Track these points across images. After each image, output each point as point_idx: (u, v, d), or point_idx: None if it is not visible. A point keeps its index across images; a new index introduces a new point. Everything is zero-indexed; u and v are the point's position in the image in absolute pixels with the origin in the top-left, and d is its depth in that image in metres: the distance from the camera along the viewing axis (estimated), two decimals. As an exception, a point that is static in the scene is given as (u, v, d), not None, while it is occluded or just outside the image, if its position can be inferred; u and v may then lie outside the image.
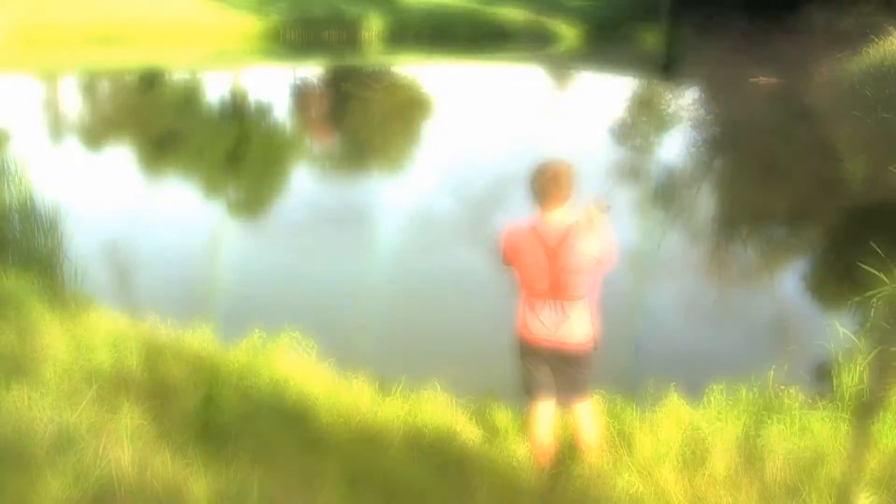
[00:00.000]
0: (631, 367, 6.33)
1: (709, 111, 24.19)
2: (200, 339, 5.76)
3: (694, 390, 5.24)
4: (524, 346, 4.44)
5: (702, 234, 11.24)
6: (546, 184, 4.18)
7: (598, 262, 4.25)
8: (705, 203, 13.17)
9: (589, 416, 4.53)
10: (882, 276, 5.75)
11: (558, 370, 4.43)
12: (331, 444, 4.41)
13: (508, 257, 4.35)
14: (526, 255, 4.26)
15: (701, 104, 25.41)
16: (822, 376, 6.41)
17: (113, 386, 4.93)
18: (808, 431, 4.78)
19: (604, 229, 4.24)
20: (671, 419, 4.85)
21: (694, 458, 4.47)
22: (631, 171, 14.77)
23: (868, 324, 5.62)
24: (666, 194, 13.48)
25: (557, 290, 4.26)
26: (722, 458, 4.35)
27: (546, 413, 4.52)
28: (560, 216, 4.25)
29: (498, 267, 4.46)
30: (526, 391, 4.54)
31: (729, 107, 24.33)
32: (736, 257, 10.35)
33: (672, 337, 7.73)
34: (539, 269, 4.24)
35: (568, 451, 4.69)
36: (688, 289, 8.77)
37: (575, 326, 4.32)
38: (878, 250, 6.00)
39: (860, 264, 6.25)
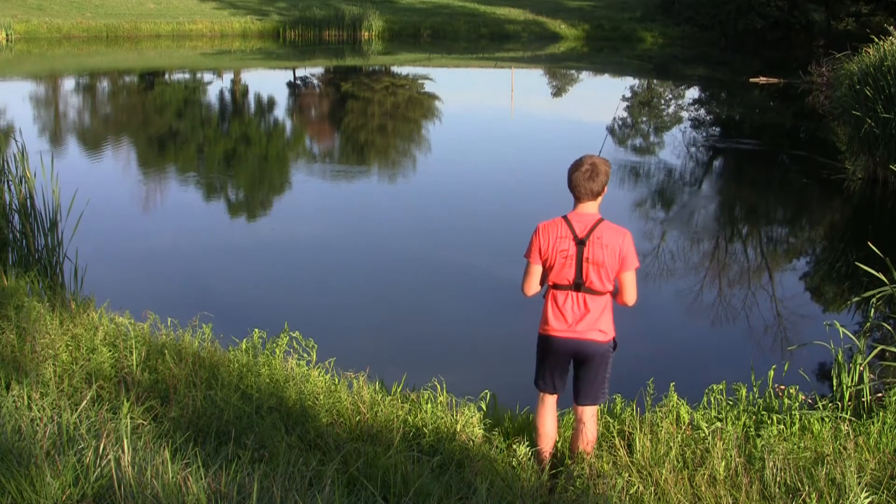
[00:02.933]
0: (631, 367, 6.34)
1: (709, 111, 24.21)
2: (200, 339, 5.76)
3: (694, 390, 5.25)
4: (543, 343, 4.48)
5: (702, 233, 11.24)
6: (581, 177, 4.29)
7: (624, 259, 4.30)
8: (705, 203, 13.18)
9: (592, 422, 4.55)
10: (881, 276, 5.74)
11: (577, 367, 4.47)
12: (331, 444, 4.42)
13: (538, 249, 4.38)
14: (556, 244, 4.32)
15: (700, 104, 25.43)
16: (822, 376, 6.41)
17: (113, 386, 4.94)
18: (808, 431, 4.79)
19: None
20: (671, 419, 4.86)
21: (694, 458, 4.48)
22: (631, 171, 14.77)
23: (868, 324, 5.62)
24: (666, 194, 13.49)
25: (581, 281, 4.32)
26: (722, 458, 4.36)
27: (552, 406, 4.58)
28: (593, 209, 4.37)
29: (525, 258, 4.46)
30: (536, 383, 4.60)
31: (729, 106, 24.35)
32: (736, 257, 10.36)
33: (672, 337, 7.74)
34: (567, 257, 4.31)
35: (567, 452, 4.69)
36: (688, 289, 8.78)
37: (595, 322, 4.35)
38: (876, 251, 6.00)
39: (858, 265, 6.25)
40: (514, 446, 4.63)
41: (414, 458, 4.24)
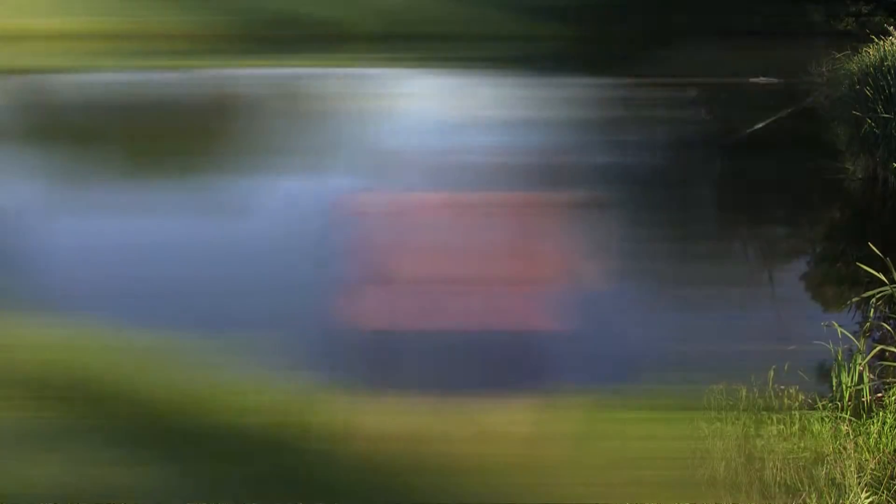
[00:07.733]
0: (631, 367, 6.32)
1: (709, 111, 24.17)
2: (190, 341, 5.74)
3: (694, 390, 5.23)
4: None
5: (701, 233, 11.22)
6: None
7: None
8: (704, 203, 13.15)
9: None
10: (881, 276, 5.73)
11: None
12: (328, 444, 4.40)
13: None
14: None
15: (697, 105, 25.39)
16: (822, 376, 6.40)
17: (107, 387, 4.92)
18: (808, 431, 4.77)
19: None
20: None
21: (694, 458, 4.46)
22: (629, 172, 14.74)
23: (868, 324, 5.61)
24: (665, 194, 13.47)
25: None
26: (722, 458, 4.34)
27: None
28: None
29: None
30: None
31: (727, 107, 24.32)
32: (736, 257, 10.34)
33: (672, 336, 7.71)
34: None
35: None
36: (688, 288, 8.75)
37: None
38: (877, 251, 5.98)
39: (859, 265, 6.24)
40: (514, 446, 4.61)
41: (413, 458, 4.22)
